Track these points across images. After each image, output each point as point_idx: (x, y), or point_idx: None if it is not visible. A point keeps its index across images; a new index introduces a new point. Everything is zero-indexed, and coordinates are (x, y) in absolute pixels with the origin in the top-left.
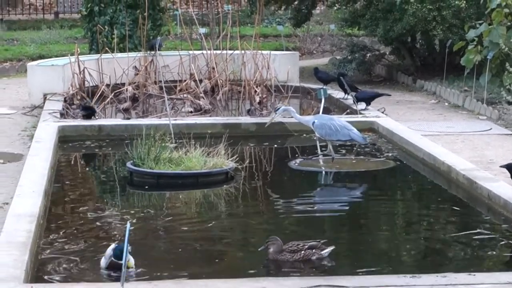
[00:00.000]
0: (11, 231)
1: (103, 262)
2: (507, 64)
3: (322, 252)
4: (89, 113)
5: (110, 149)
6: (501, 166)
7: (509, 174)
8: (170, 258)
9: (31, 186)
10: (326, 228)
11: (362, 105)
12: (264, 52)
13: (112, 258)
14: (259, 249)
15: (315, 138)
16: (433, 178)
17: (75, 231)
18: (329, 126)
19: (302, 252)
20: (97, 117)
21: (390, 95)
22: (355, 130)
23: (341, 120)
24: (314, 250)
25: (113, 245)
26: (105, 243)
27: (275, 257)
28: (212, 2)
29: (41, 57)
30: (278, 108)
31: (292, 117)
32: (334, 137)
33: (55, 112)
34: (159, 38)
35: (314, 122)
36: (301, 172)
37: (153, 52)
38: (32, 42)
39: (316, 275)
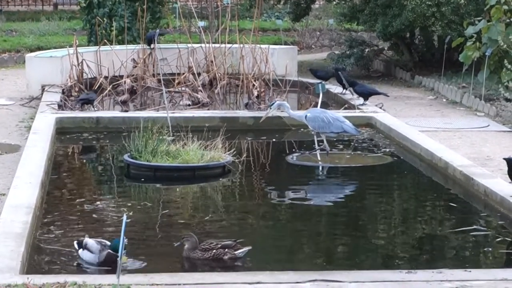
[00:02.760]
0: (7, 222)
1: (88, 255)
2: (505, 61)
3: (236, 252)
4: (85, 101)
5: (107, 141)
6: (504, 159)
7: (506, 170)
8: (166, 251)
9: (28, 177)
10: (321, 222)
11: (360, 100)
12: (263, 46)
13: (109, 250)
14: (175, 245)
15: (312, 133)
16: (430, 174)
17: (72, 223)
18: (322, 118)
19: (214, 251)
20: (95, 108)
21: (388, 96)
22: (347, 122)
23: (334, 113)
24: (226, 250)
25: (89, 239)
26: (101, 235)
27: (187, 254)
28: None
29: (39, 48)
30: (273, 103)
31: (287, 113)
32: (327, 129)
33: (53, 104)
34: (158, 30)
35: (306, 116)
36: (298, 167)
37: (151, 46)
38: (30, 34)
39: (311, 269)
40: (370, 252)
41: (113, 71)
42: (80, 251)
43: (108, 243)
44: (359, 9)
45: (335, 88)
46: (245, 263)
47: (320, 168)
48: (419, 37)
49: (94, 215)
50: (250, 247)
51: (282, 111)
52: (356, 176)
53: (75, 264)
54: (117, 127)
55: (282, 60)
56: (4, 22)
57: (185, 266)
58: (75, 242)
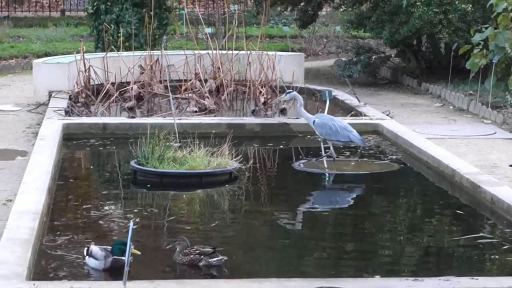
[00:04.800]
0: (14, 228)
1: (94, 262)
2: None
3: (210, 260)
4: None
5: (114, 147)
6: (510, 166)
7: None
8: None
9: (35, 184)
10: (328, 230)
11: (367, 107)
12: (270, 52)
13: (113, 256)
14: (167, 247)
15: (319, 139)
16: (437, 182)
17: (78, 229)
18: (330, 126)
19: (191, 256)
20: None
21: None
22: (354, 132)
23: (342, 121)
24: (202, 257)
25: (94, 246)
26: (108, 241)
27: (174, 258)
28: (218, 2)
29: (46, 54)
30: (290, 92)
31: (296, 108)
32: (334, 137)
33: (60, 110)
34: (164, 37)
35: (314, 121)
36: (305, 174)
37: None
38: (38, 40)
39: (317, 277)
40: (376, 260)
41: (120, 77)
42: (86, 258)
43: None
44: (366, 16)
45: (342, 95)
46: (222, 272)
47: (327, 175)
48: (426, 44)
49: (100, 222)
50: (226, 257)
51: (289, 118)
52: (363, 183)
53: (81, 270)
54: (124, 133)
55: (289, 67)
56: (12, 28)
57: (189, 272)
58: (85, 250)
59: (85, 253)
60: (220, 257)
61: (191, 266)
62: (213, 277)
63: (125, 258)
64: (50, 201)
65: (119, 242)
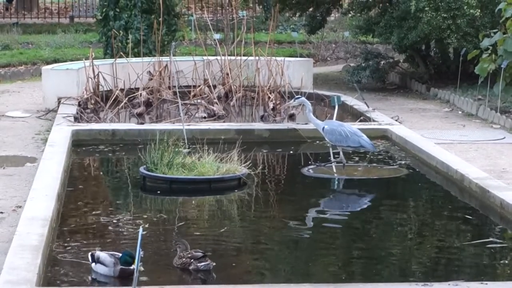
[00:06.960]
0: (24, 234)
1: (103, 269)
2: None
3: (199, 264)
4: None
5: (123, 153)
6: None
7: None
8: None
9: (44, 190)
10: (337, 235)
11: (376, 113)
12: (278, 58)
13: (121, 266)
14: (172, 250)
15: (328, 145)
16: (446, 187)
17: (88, 235)
18: (339, 132)
19: (184, 259)
20: None
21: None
22: (365, 137)
23: (351, 126)
24: (192, 261)
25: (101, 252)
26: (117, 247)
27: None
28: (227, 8)
29: (56, 61)
30: (298, 98)
31: (305, 113)
32: (344, 143)
33: (69, 116)
34: (173, 43)
35: (324, 128)
36: (314, 179)
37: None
38: (47, 46)
39: (327, 282)
40: (385, 264)
41: (129, 83)
42: (93, 265)
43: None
44: (374, 21)
45: (350, 100)
46: (209, 277)
47: (336, 181)
48: (434, 49)
49: (110, 228)
50: (214, 264)
51: (298, 123)
52: (372, 189)
53: (91, 276)
54: (133, 139)
55: (297, 72)
56: (21, 34)
57: (197, 278)
58: (89, 255)
59: (90, 259)
60: (208, 262)
61: (183, 270)
62: (213, 282)
63: (131, 268)
64: (60, 207)
65: (126, 254)
